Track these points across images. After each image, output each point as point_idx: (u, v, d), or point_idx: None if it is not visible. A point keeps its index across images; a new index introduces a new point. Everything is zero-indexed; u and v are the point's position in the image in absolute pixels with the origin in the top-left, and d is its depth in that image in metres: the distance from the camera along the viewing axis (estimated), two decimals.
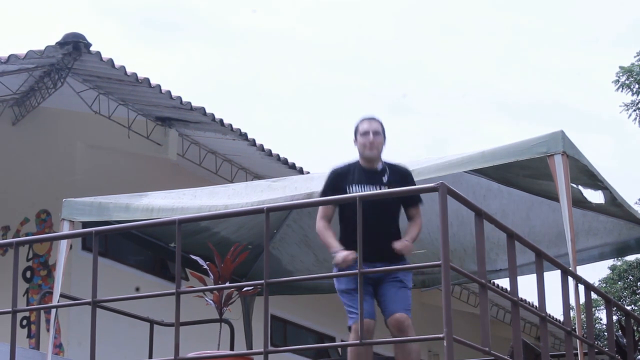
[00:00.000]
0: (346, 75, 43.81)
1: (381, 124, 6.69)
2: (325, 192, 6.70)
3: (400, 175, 6.65)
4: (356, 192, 6.49)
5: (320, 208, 6.71)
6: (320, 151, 40.88)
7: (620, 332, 8.62)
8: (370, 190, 6.49)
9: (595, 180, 7.65)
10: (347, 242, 6.40)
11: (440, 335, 5.21)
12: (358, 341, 5.71)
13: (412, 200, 6.64)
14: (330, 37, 44.33)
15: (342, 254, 6.37)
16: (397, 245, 6.44)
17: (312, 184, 8.04)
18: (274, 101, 41.24)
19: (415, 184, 6.68)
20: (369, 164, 6.64)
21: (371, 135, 6.60)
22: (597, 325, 21.59)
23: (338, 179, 6.64)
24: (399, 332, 6.35)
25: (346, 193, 6.53)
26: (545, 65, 43.90)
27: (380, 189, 6.50)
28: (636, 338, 8.43)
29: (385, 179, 6.58)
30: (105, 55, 10.77)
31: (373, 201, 6.41)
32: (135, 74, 11.02)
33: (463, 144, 46.50)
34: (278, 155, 12.87)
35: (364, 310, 5.93)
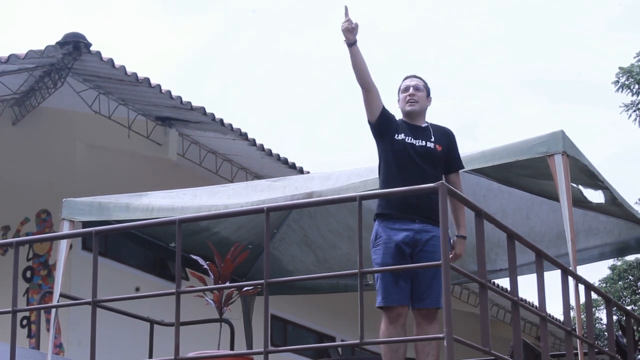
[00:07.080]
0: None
1: (424, 81, 6.66)
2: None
3: (446, 135, 6.59)
4: (402, 140, 6.43)
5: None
6: (321, 151, 40.92)
7: (620, 332, 8.61)
8: (416, 143, 6.43)
9: (595, 180, 7.65)
10: (389, 182, 6.34)
11: (440, 335, 5.20)
12: (358, 341, 5.69)
13: (456, 164, 6.61)
14: (333, 35, 44.22)
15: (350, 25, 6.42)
16: (458, 249, 6.38)
17: (312, 184, 8.04)
18: (275, 100, 41.24)
19: (457, 145, 6.63)
20: (412, 120, 6.58)
21: (411, 89, 6.57)
22: (597, 325, 21.59)
23: (389, 115, 6.53)
24: (426, 323, 6.26)
25: (393, 137, 6.45)
26: (582, 44, 43.08)
27: (429, 145, 6.44)
28: (636, 338, 8.42)
29: (432, 136, 6.51)
30: (105, 54, 10.77)
31: (419, 154, 6.37)
32: (135, 74, 11.02)
33: (494, 126, 45.64)
34: (278, 155, 12.86)
35: (399, 296, 6.14)
